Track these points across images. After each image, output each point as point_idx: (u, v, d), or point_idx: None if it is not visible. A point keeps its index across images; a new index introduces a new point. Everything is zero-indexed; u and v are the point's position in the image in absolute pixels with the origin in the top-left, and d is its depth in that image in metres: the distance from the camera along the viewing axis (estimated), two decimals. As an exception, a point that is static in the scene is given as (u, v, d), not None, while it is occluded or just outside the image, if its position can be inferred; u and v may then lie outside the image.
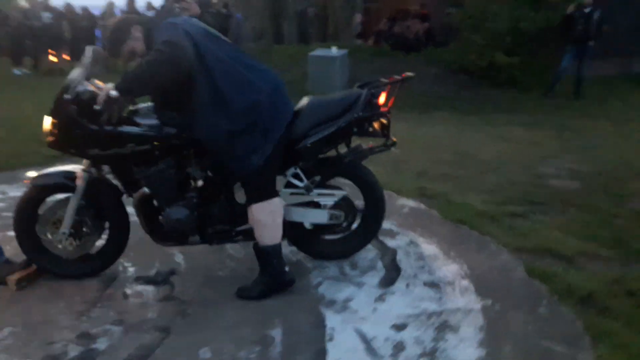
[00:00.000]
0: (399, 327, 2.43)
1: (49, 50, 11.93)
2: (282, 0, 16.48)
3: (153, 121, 2.64)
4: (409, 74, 2.85)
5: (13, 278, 2.78)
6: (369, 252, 3.12)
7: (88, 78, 2.64)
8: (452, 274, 2.89)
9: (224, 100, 2.47)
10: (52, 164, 2.68)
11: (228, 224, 2.81)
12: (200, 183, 2.74)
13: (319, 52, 9.70)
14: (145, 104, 2.71)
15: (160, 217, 2.74)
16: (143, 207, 2.76)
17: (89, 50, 2.64)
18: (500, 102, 8.73)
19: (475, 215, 3.62)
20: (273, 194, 2.64)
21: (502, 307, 2.57)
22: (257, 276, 2.73)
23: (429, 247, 3.20)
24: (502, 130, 6.80)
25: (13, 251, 2.93)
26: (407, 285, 2.79)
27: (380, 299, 2.68)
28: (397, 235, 3.35)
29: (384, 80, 2.86)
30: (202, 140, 2.58)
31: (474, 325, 2.43)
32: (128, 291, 2.79)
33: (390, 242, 3.25)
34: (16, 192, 3.73)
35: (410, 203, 3.91)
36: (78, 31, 12.38)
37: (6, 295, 2.73)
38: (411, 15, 12.15)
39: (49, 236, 2.79)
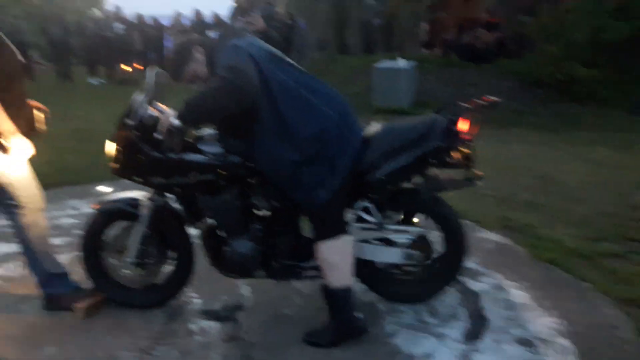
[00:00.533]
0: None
1: (121, 61, 12.33)
2: (346, 10, 16.38)
3: (217, 149, 2.50)
4: (494, 98, 2.55)
5: (81, 306, 2.71)
6: (450, 296, 2.84)
7: (151, 102, 2.54)
8: (548, 329, 2.56)
9: (288, 128, 2.29)
10: (121, 181, 2.59)
11: (294, 260, 2.63)
12: (265, 213, 2.57)
13: (385, 63, 9.43)
14: (209, 130, 2.58)
15: (224, 249, 2.59)
16: (207, 237, 2.62)
17: (151, 73, 2.53)
18: (580, 119, 8.15)
19: (568, 254, 3.25)
20: (342, 231, 2.43)
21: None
22: (327, 321, 2.51)
23: (518, 293, 2.88)
24: (585, 150, 6.28)
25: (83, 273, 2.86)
26: (496, 341, 2.49)
27: (465, 357, 2.39)
28: (481, 276, 3.05)
29: (464, 104, 2.57)
30: (264, 171, 2.41)
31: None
32: (192, 327, 2.65)
33: (474, 285, 2.95)
34: (88, 208, 3.70)
35: (494, 237, 3.58)
36: (149, 41, 12.76)
37: (73, 324, 2.66)
38: (480, 24, 11.67)
39: (114, 264, 2.71)
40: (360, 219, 2.59)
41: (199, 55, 2.42)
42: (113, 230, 2.75)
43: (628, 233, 3.65)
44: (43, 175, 4.98)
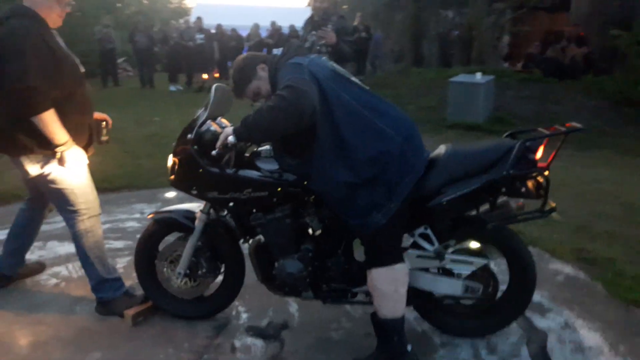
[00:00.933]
0: None
1: (200, 69, 12.80)
2: (424, 21, 16.10)
3: (273, 166, 2.45)
4: (576, 124, 2.30)
5: (130, 312, 2.74)
6: (512, 333, 2.60)
7: (213, 117, 2.52)
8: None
9: (346, 149, 2.18)
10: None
11: (344, 283, 2.51)
12: (317, 234, 2.47)
13: (462, 77, 9.10)
14: (267, 146, 2.53)
15: (275, 267, 2.52)
16: (258, 254, 2.56)
17: (214, 89, 2.52)
18: (675, 143, 7.43)
19: (653, 295, 2.90)
20: (397, 259, 2.27)
21: None
22: (375, 350, 2.37)
23: (590, 335, 2.59)
24: (680, 178, 5.69)
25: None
26: (561, 388, 2.25)
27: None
28: (548, 312, 2.78)
29: (543, 130, 2.34)
30: (319, 191, 2.32)
31: None
32: (237, 343, 2.59)
33: (540, 322, 2.69)
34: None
35: (567, 269, 3.27)
36: (227, 51, 13.17)
37: (121, 330, 2.69)
38: (566, 37, 11.01)
39: (166, 273, 2.72)
40: (417, 246, 2.43)
41: (262, 72, 2.38)
42: (167, 241, 2.77)
43: None
44: (114, 177, 5.28)
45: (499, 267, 2.67)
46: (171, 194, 4.81)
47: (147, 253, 2.77)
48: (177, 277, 2.67)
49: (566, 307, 2.83)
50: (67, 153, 2.49)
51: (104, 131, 2.83)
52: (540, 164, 2.29)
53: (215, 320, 2.76)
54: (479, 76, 8.77)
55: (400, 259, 2.28)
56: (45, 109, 2.38)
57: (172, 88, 12.59)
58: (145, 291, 2.83)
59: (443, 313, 2.60)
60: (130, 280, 3.03)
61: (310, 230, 2.47)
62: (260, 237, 2.52)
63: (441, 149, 2.39)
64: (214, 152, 2.27)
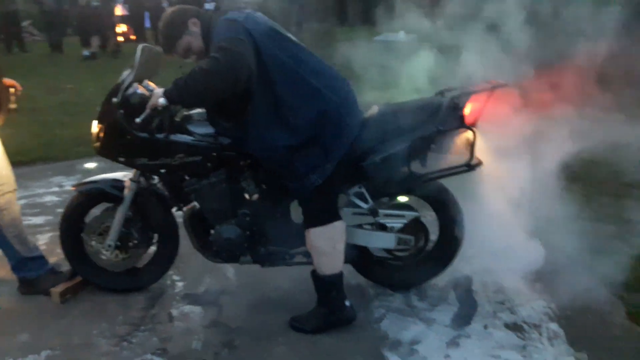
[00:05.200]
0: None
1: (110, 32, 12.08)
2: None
3: (207, 129, 2.38)
4: (501, 81, 2.40)
5: (57, 290, 2.63)
6: (440, 279, 2.74)
7: (140, 79, 2.39)
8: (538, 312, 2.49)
9: (284, 111, 2.15)
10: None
11: (283, 246, 2.52)
12: (254, 198, 2.45)
13: (385, 36, 9.17)
14: (199, 110, 2.45)
15: (210, 234, 2.48)
16: (193, 222, 2.51)
17: (141, 49, 2.39)
18: None
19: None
20: (334, 217, 2.31)
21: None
22: (314, 307, 2.42)
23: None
24: None
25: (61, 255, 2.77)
26: (485, 327, 2.41)
27: (454, 342, 2.31)
28: (472, 259, 2.92)
29: (470, 87, 2.43)
30: (256, 155, 2.29)
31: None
32: (174, 312, 2.56)
33: (465, 267, 2.84)
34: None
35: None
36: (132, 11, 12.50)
37: (49, 309, 2.57)
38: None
39: (95, 247, 2.61)
40: (353, 204, 2.47)
41: (194, 28, 2.25)
42: (94, 213, 2.64)
43: None
44: (28, 150, 4.93)
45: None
46: (91, 164, 4.58)
47: (72, 227, 2.64)
48: (107, 250, 2.58)
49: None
50: None
51: (12, 98, 2.61)
52: (468, 121, 2.39)
53: (149, 292, 2.70)
54: (402, 34, 8.86)
55: (337, 217, 2.32)
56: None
57: (86, 53, 11.79)
58: (72, 267, 2.71)
59: (377, 267, 2.69)
60: (55, 256, 2.89)
61: (246, 195, 2.45)
62: (195, 203, 2.46)
63: (374, 109, 2.42)
64: (140, 117, 2.17)
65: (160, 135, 2.35)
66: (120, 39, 12.06)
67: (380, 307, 2.57)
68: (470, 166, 2.42)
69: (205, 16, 2.27)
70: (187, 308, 2.59)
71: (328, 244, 2.30)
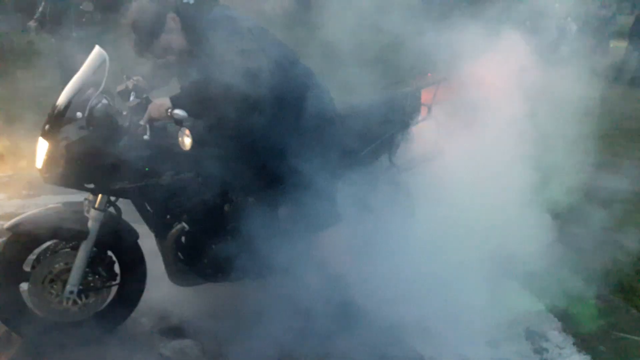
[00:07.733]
0: None
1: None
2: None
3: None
4: (444, 75, 2.67)
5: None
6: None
7: (98, 88, 2.01)
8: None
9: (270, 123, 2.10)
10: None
11: (278, 257, 2.38)
12: (244, 211, 2.28)
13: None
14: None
15: (204, 255, 2.25)
16: (179, 245, 2.22)
17: (96, 52, 2.00)
18: None
19: None
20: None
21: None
22: None
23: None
24: None
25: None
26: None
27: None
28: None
29: (423, 78, 2.66)
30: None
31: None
32: (164, 352, 2.23)
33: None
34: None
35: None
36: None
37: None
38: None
39: (46, 297, 2.12)
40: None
41: (173, 24, 1.96)
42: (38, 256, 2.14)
43: None
44: None
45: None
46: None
47: (9, 277, 2.09)
48: (69, 297, 2.12)
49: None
50: None
51: None
52: (423, 112, 2.61)
53: (124, 334, 2.29)
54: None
55: None
56: None
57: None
58: (10, 328, 2.15)
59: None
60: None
61: (237, 208, 2.27)
62: (184, 225, 2.18)
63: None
64: (146, 136, 1.86)
65: (145, 151, 2.02)
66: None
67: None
68: (433, 155, 2.64)
69: (185, 11, 2.01)
70: (177, 343, 2.28)
71: None
